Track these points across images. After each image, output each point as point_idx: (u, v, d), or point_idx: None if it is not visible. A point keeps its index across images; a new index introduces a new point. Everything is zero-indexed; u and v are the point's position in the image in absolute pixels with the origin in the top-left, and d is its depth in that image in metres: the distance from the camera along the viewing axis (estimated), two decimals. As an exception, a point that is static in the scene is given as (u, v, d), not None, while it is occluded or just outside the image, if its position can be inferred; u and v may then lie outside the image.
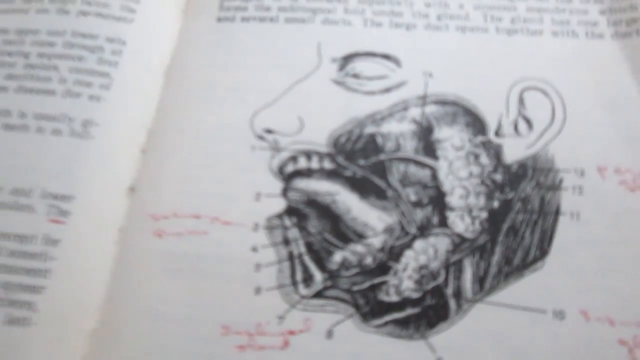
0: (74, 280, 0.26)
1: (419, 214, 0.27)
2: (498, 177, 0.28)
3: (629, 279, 0.25)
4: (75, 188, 0.28)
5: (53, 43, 0.32)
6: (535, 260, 0.26)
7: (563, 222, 0.27)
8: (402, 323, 0.25)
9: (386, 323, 0.25)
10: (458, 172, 0.28)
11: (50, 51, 0.31)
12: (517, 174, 0.28)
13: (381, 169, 0.28)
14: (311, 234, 0.27)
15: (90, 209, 0.27)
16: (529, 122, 0.29)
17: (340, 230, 0.27)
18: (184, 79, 0.32)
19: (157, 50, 0.33)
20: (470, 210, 0.27)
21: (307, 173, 0.28)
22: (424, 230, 0.27)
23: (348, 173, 0.28)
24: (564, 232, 0.26)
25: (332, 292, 0.26)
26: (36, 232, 0.27)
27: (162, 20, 0.34)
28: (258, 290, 0.26)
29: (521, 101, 0.29)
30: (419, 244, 0.27)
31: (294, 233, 0.27)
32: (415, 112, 0.29)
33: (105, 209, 0.28)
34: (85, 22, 0.32)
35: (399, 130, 0.29)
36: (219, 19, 0.33)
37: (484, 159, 0.28)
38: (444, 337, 0.25)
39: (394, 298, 0.26)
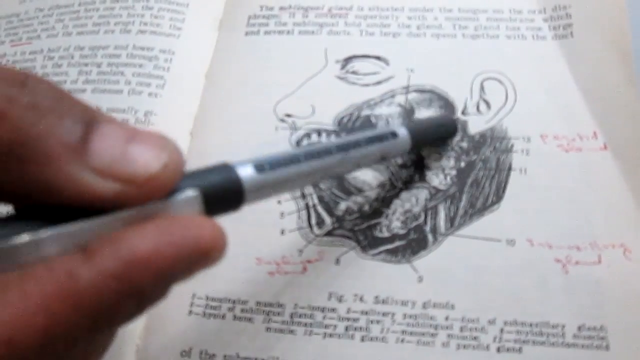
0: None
1: (404, 173, 0.32)
2: (464, 144, 0.32)
3: (562, 215, 0.29)
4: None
5: (119, 55, 0.37)
6: (493, 203, 0.30)
7: (514, 175, 0.31)
8: (392, 252, 0.30)
9: (380, 252, 0.30)
10: (434, 142, 0.32)
11: (117, 61, 0.37)
12: (479, 142, 0.32)
13: (375, 141, 0.34)
14: (322, 189, 0.31)
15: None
16: (487, 104, 0.33)
17: (344, 186, 0.31)
18: (221, 79, 0.36)
19: (199, 58, 0.37)
20: (443, 169, 0.31)
21: (318, 145, 0.34)
22: (408, 184, 0.31)
23: (349, 145, 0.34)
24: (514, 183, 0.30)
25: (338, 232, 0.30)
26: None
27: (202, 35, 0.38)
28: (283, 232, 0.31)
29: (482, 88, 0.33)
30: (404, 194, 0.31)
31: (309, 189, 0.32)
32: (400, 99, 0.33)
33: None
34: (143, 38, 0.37)
35: (388, 112, 0.33)
36: (247, 33, 0.37)
37: (454, 131, 0.32)
38: (424, 261, 0.29)
39: (385, 234, 0.30)
